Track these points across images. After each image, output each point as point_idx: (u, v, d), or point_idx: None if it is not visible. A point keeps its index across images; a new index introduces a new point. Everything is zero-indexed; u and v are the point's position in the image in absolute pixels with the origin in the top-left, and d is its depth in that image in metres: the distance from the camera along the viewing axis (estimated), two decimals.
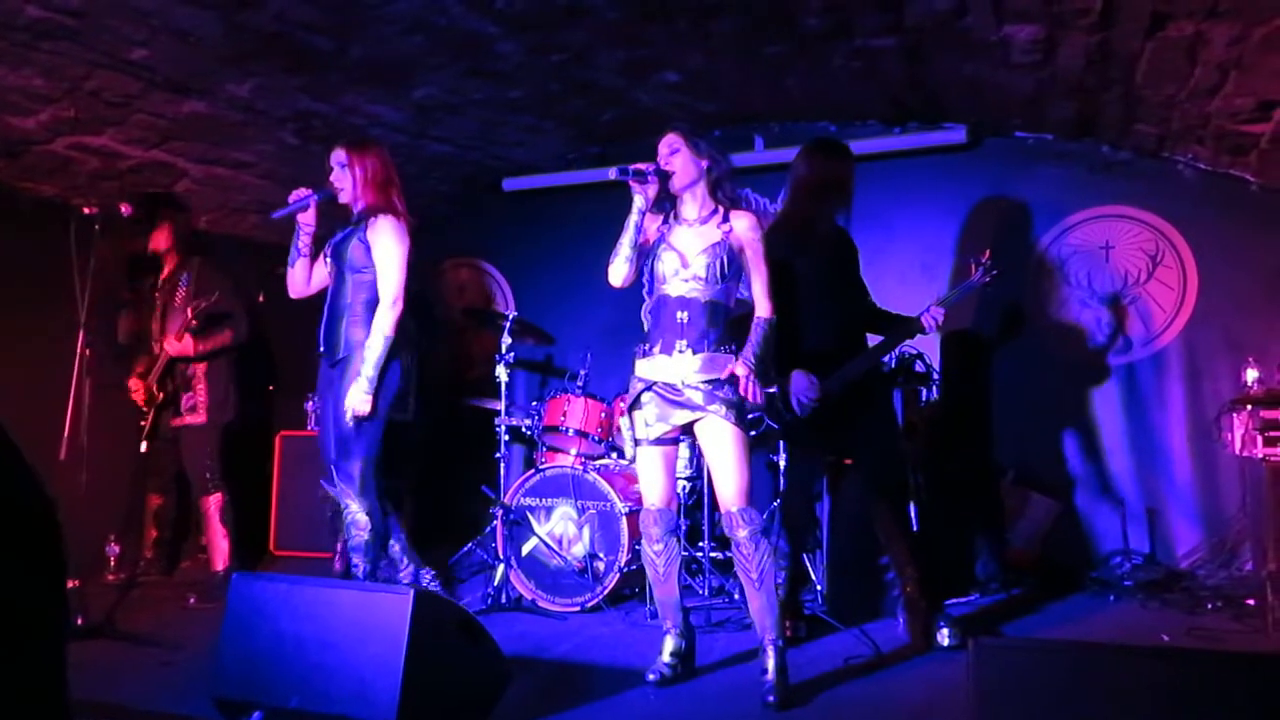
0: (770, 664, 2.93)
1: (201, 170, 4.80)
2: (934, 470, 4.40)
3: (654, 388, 3.08)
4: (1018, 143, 4.89)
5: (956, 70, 4.17)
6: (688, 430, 3.13)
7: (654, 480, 3.14)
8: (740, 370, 3.01)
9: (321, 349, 3.60)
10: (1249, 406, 3.57)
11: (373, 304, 3.51)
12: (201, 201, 5.07)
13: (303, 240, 3.61)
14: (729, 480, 2.98)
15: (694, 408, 3.01)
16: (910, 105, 4.77)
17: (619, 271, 3.09)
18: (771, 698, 2.86)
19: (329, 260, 3.60)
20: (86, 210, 3.92)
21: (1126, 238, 4.70)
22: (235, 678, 2.56)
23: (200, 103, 4.22)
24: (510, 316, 4.51)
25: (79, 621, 3.66)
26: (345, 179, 3.60)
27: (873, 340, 3.71)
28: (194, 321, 4.22)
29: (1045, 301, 4.82)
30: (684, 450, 4.24)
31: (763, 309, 3.11)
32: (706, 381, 3.00)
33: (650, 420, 3.09)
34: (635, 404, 3.14)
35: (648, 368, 3.11)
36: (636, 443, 3.15)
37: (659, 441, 3.12)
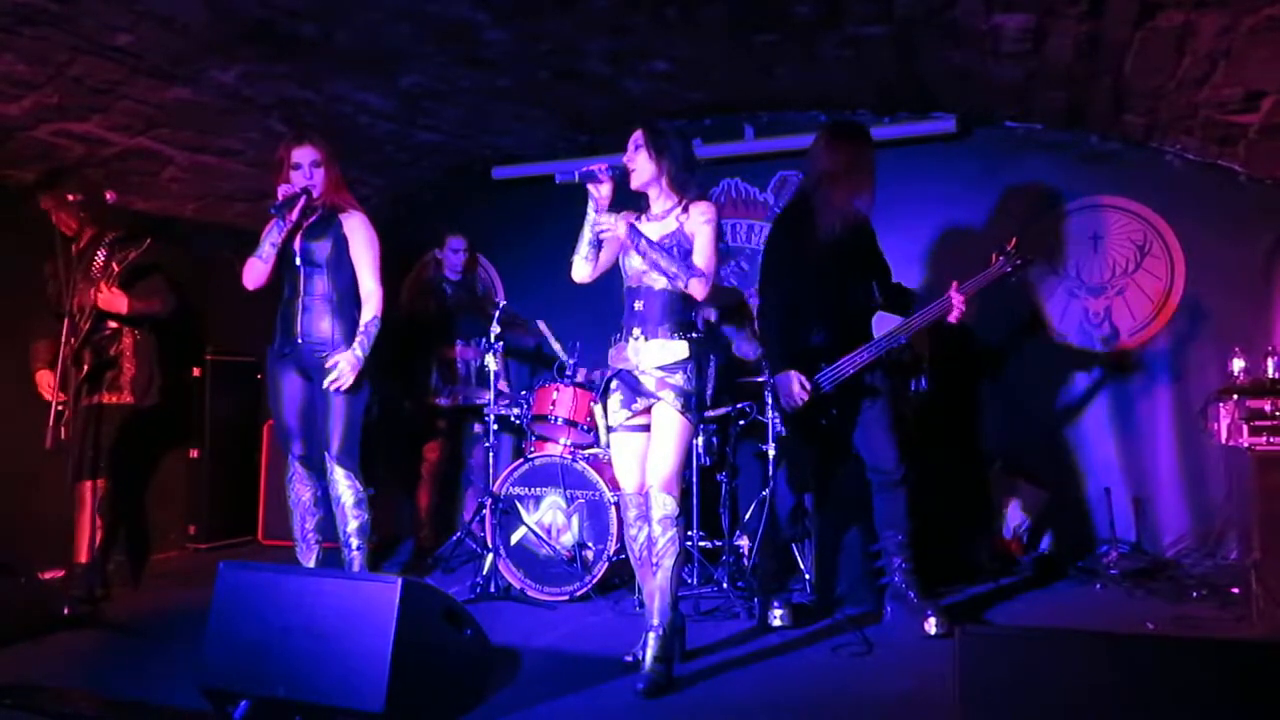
0: (649, 652, 2.95)
1: (187, 157, 4.76)
2: (922, 460, 4.40)
3: (620, 375, 3.16)
4: (1007, 132, 4.89)
5: (946, 59, 4.17)
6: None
7: (627, 466, 3.20)
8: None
9: (278, 340, 3.62)
10: (1235, 396, 3.57)
11: (340, 298, 3.56)
12: (188, 189, 5.04)
13: (281, 233, 3.57)
14: (660, 463, 3.02)
15: (648, 394, 3.08)
16: (900, 95, 4.76)
17: (579, 269, 3.18)
18: (640, 685, 2.86)
19: (295, 255, 3.59)
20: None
21: (1115, 228, 4.71)
22: (222, 667, 2.55)
23: (185, 89, 4.18)
24: (499, 305, 4.49)
25: (65, 611, 3.65)
26: (318, 176, 3.58)
27: (879, 327, 3.68)
28: (116, 269, 3.97)
29: (1034, 291, 4.82)
30: None
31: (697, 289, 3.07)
32: (659, 368, 3.06)
33: (617, 407, 3.17)
34: (605, 392, 3.21)
35: (614, 356, 3.20)
36: (609, 429, 3.22)
37: (629, 428, 3.17)
